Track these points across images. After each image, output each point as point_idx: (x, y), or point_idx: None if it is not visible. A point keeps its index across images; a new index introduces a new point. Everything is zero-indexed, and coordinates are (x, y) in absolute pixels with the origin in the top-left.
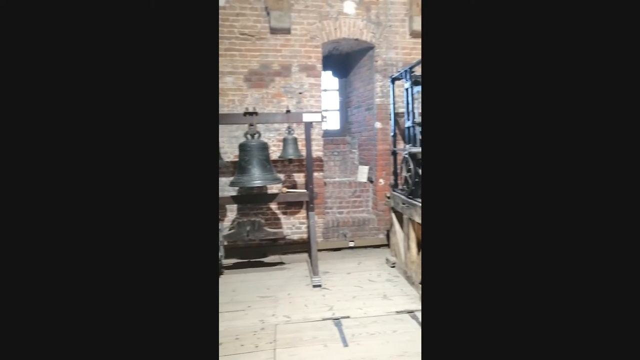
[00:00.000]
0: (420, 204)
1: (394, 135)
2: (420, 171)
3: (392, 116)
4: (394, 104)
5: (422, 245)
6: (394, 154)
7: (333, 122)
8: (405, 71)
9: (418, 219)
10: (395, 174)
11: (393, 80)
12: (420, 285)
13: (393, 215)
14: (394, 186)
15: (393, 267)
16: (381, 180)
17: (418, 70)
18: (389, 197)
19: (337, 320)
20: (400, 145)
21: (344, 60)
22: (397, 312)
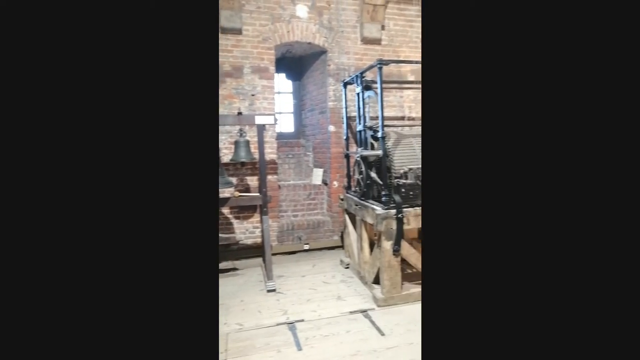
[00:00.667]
0: (372, 206)
1: (347, 139)
2: (372, 174)
3: (345, 120)
4: (346, 107)
5: (422, 246)
6: (347, 156)
7: (287, 125)
8: (357, 76)
9: (370, 219)
10: (348, 176)
11: (345, 84)
12: (373, 285)
13: (347, 217)
14: (348, 188)
15: (347, 268)
16: (335, 183)
17: (369, 76)
18: (342, 199)
19: (291, 325)
20: (353, 148)
21: (297, 63)
22: (351, 313)
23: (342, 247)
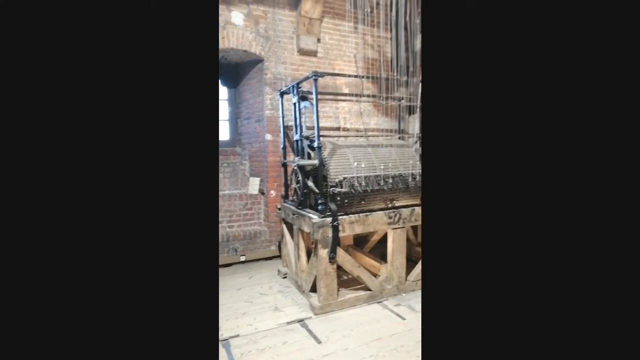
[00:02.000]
0: (309, 214)
1: (284, 147)
2: (309, 182)
3: (282, 129)
4: (283, 117)
5: (422, 247)
6: (285, 165)
7: (223, 133)
8: (293, 86)
9: (307, 228)
10: (286, 185)
11: (282, 94)
12: (310, 293)
13: (284, 226)
14: (285, 197)
15: (285, 277)
16: (272, 192)
17: (305, 86)
18: (280, 209)
19: (225, 341)
20: (291, 157)
21: (233, 70)
22: (288, 323)
23: (279, 257)
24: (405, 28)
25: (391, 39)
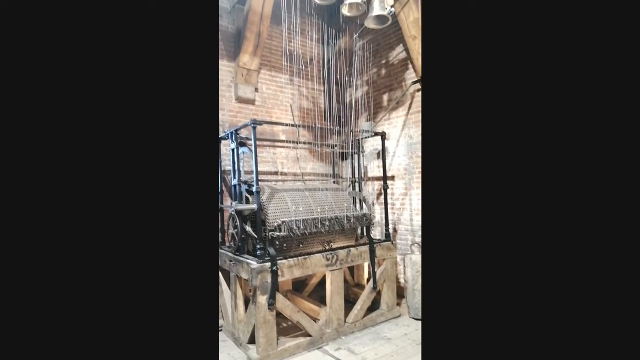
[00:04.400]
0: (247, 260)
1: (221, 192)
2: (247, 227)
3: (219, 173)
4: (220, 162)
5: (422, 248)
6: (221, 210)
7: None
8: (232, 132)
9: (245, 275)
10: (222, 231)
11: (220, 139)
12: (248, 345)
13: (220, 275)
14: (222, 244)
15: (220, 330)
16: None
17: (243, 133)
18: None
19: None
20: (227, 202)
21: None
22: None
23: None
24: (337, 82)
25: (324, 91)
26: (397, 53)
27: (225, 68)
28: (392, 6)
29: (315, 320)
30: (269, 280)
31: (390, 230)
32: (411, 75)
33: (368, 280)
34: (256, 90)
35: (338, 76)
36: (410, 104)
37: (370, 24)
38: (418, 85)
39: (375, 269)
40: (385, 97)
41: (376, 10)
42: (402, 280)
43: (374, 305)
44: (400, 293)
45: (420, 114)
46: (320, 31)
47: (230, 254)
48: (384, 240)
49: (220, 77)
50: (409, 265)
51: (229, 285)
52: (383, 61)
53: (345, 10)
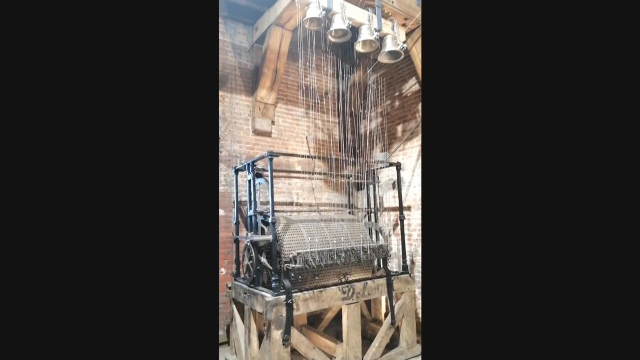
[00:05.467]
0: (261, 292)
1: (237, 223)
2: (262, 259)
3: (235, 204)
4: (237, 192)
5: (422, 251)
6: (237, 241)
7: None
8: (249, 164)
9: (259, 308)
10: (237, 262)
11: (237, 170)
12: None
13: (234, 307)
14: (237, 275)
15: None
16: (222, 270)
17: (260, 164)
18: (230, 288)
19: None
20: (243, 232)
21: None
22: None
23: (227, 343)
24: (351, 115)
25: (339, 123)
26: (410, 85)
27: (243, 102)
28: (404, 42)
29: (331, 358)
30: (284, 313)
31: (408, 262)
32: None
33: (386, 315)
34: (273, 123)
35: (353, 108)
36: None
37: (383, 59)
38: None
39: (394, 303)
40: (399, 128)
41: (389, 46)
42: (421, 316)
43: (392, 343)
44: (420, 329)
45: None
46: (335, 66)
47: (245, 286)
48: (402, 273)
49: (238, 111)
50: None
51: (242, 319)
52: (397, 93)
53: (359, 47)
